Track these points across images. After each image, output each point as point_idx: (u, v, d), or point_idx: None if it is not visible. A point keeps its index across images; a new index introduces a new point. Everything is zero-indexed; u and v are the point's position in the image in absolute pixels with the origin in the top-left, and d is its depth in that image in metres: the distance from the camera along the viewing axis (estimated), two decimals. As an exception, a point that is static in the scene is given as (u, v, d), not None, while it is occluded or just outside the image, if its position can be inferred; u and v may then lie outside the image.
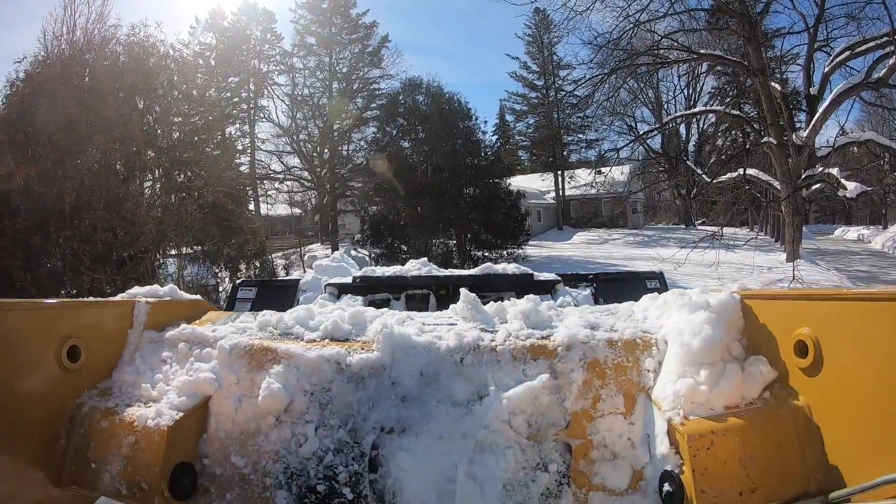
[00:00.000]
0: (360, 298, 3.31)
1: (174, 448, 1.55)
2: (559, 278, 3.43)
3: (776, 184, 19.03)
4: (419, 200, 21.19)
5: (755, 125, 21.75)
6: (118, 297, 1.98)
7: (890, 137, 21.12)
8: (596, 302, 3.33)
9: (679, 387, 1.43)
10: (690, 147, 39.86)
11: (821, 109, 17.81)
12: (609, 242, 29.57)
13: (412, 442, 1.55)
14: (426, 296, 3.31)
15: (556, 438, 1.56)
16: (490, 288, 3.28)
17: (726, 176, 21.09)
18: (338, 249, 28.24)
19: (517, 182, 28.51)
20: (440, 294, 3.32)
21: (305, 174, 35.26)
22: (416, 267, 3.55)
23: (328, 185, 32.86)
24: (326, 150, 34.21)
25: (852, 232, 31.11)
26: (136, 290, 2.07)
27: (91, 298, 1.86)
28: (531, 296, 1.97)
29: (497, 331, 1.75)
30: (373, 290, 3.36)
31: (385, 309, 2.15)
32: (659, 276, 3.64)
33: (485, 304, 2.23)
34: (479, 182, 22.71)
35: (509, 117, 46.49)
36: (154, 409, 1.57)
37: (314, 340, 1.75)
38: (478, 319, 1.90)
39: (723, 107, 24.69)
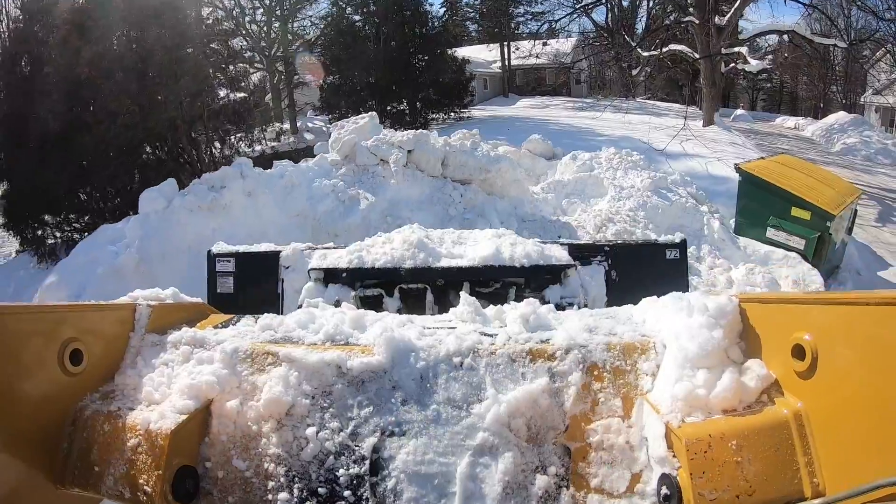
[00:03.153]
0: (350, 291, 3.04)
1: (177, 451, 1.53)
2: (572, 262, 3.04)
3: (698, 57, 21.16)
4: (372, 69, 22.83)
5: (691, 8, 23.32)
6: (120, 300, 1.93)
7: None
8: (609, 279, 3.21)
9: (677, 390, 1.41)
10: (640, 27, 40.75)
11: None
12: (550, 107, 31.13)
13: (412, 444, 1.55)
14: (423, 290, 3.04)
15: (556, 441, 1.55)
16: (494, 276, 2.98)
17: (657, 51, 23.02)
18: (297, 124, 29.61)
19: (465, 52, 29.77)
20: (437, 286, 3.05)
21: (256, 56, 34.85)
22: (410, 251, 3.08)
23: (281, 63, 33.01)
24: (274, 31, 33.85)
25: (791, 121, 33.12)
26: (138, 292, 2.01)
27: (92, 301, 1.82)
28: (531, 299, 1.94)
29: (496, 334, 1.73)
30: (363, 281, 3.06)
31: (385, 312, 2.04)
32: (680, 246, 3.36)
33: (491, 293, 2.42)
34: (428, 50, 24.20)
35: (457, -11, 46.23)
36: (157, 412, 1.56)
37: (315, 344, 1.75)
38: (477, 321, 1.89)
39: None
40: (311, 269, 3.06)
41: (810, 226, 7.97)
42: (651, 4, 38.22)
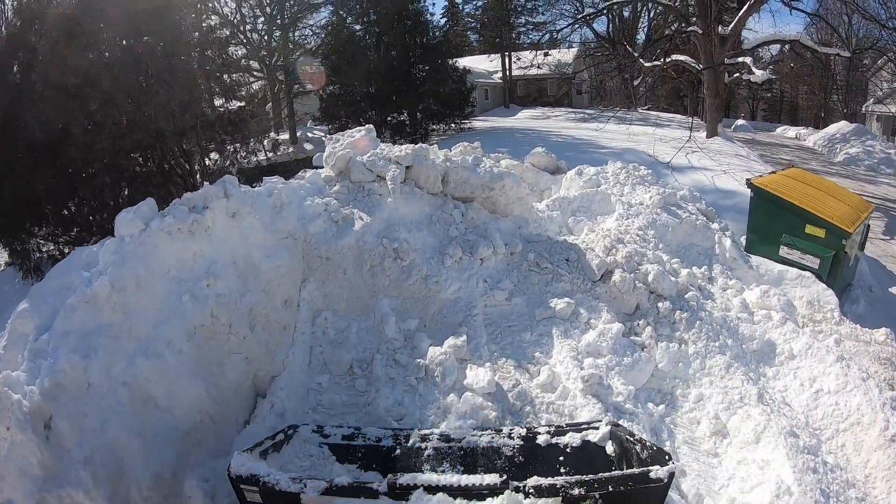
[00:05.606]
0: None
1: None
2: None
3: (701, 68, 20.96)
4: (372, 78, 22.56)
5: (693, 18, 23.09)
6: None
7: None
8: None
9: None
10: (642, 36, 40.63)
11: (745, 6, 19.28)
12: (551, 118, 30.95)
13: None
14: None
15: None
16: None
17: (660, 61, 22.80)
18: (297, 134, 29.40)
19: (465, 62, 29.68)
20: None
21: (254, 64, 34.71)
22: None
23: (281, 72, 32.81)
24: (274, 40, 33.67)
25: (791, 131, 32.99)
26: None
27: None
28: None
29: None
30: None
31: None
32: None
33: None
34: (428, 60, 24.00)
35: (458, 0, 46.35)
36: None
37: None
38: None
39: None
40: None
41: (825, 244, 7.60)
42: (652, 15, 38.09)
